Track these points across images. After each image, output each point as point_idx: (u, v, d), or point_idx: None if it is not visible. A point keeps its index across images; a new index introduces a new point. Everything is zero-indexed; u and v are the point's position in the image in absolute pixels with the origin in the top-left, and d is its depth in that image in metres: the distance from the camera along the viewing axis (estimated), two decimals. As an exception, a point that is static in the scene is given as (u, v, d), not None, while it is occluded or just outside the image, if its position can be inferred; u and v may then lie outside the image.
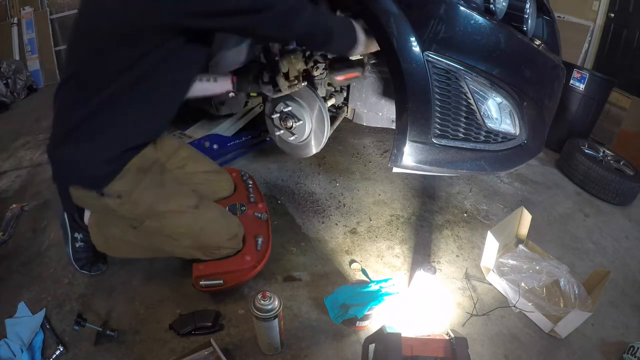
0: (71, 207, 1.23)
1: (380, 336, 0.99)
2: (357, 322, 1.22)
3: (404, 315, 1.27)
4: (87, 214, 1.30)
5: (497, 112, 1.28)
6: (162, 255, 1.36)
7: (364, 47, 1.25)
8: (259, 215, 1.48)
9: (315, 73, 1.53)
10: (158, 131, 1.21)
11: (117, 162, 1.06)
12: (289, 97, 1.56)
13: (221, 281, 1.25)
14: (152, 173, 1.15)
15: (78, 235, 1.32)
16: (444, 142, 1.28)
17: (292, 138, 1.65)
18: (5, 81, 3.10)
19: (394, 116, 1.58)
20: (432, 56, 1.16)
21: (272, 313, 1.02)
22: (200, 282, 1.24)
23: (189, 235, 1.20)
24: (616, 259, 1.70)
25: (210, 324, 1.20)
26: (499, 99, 1.26)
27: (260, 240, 1.37)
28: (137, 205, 1.11)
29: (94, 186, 1.05)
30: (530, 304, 1.31)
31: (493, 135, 1.31)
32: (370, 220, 1.76)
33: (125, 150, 1.06)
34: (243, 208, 1.51)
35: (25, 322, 1.20)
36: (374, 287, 1.26)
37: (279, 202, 1.84)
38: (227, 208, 1.48)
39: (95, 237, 1.24)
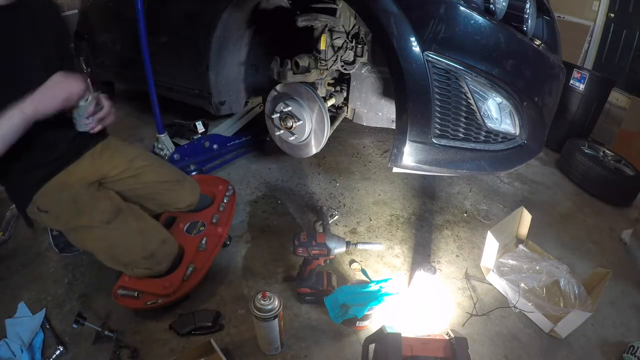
0: (28, 221, 1.29)
1: (380, 336, 0.99)
2: (357, 322, 1.22)
3: (404, 315, 1.28)
4: None
5: (497, 112, 1.28)
6: None
7: None
8: (203, 242, 1.38)
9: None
10: None
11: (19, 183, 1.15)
12: (289, 97, 1.56)
13: (135, 293, 1.21)
14: (72, 188, 1.18)
15: None
16: (444, 142, 1.28)
17: (292, 138, 1.64)
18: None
19: (394, 116, 1.58)
20: (432, 56, 1.16)
21: (272, 313, 1.02)
22: (118, 291, 1.22)
23: (100, 250, 1.20)
24: (616, 259, 1.70)
25: (210, 324, 1.20)
26: (499, 99, 1.26)
27: (190, 269, 1.27)
28: (57, 219, 1.18)
29: (25, 204, 1.17)
30: (530, 304, 1.31)
31: (493, 135, 1.31)
32: (370, 220, 1.76)
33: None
34: (202, 228, 1.43)
35: (25, 322, 1.20)
36: (374, 287, 1.26)
37: (279, 202, 1.84)
38: (187, 225, 1.44)
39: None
